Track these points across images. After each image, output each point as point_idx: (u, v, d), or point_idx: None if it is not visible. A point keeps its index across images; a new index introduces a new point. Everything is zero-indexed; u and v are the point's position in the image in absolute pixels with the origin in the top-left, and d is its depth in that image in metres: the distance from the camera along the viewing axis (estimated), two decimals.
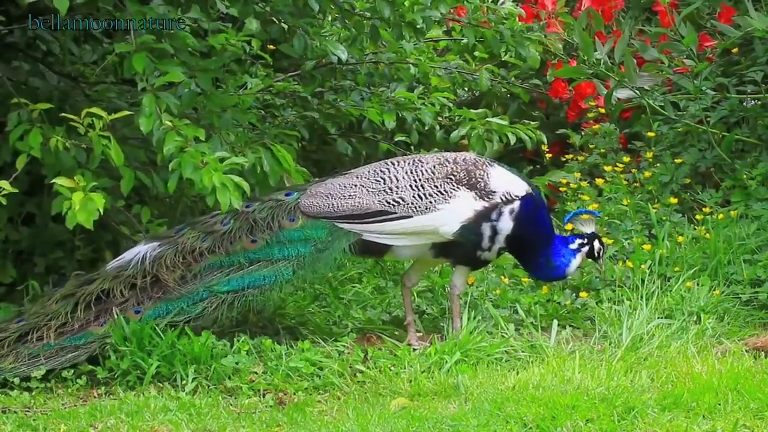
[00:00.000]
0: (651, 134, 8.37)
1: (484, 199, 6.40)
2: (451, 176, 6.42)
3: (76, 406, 5.80)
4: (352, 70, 8.01)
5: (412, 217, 6.38)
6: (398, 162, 6.55)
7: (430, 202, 6.38)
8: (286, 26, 7.06)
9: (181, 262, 6.30)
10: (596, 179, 8.21)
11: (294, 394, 5.90)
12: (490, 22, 7.61)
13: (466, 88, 8.95)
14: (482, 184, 6.42)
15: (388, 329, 6.75)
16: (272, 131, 7.37)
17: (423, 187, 6.40)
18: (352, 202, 6.39)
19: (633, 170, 8.24)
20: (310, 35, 7.20)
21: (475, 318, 6.48)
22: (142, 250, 6.36)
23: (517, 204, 6.44)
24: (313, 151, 8.64)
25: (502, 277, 7.33)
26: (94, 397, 5.92)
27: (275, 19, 6.98)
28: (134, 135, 6.64)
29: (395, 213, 6.38)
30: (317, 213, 6.40)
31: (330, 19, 8.15)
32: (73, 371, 6.05)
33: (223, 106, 6.65)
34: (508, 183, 6.47)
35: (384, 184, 6.43)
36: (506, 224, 6.42)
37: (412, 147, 8.31)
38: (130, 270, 6.28)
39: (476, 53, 8.37)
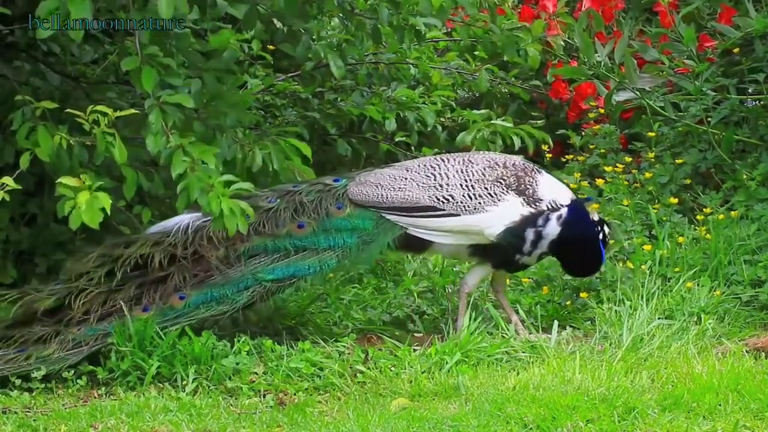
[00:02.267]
0: (651, 135, 8.37)
1: (531, 206, 6.44)
2: (501, 180, 6.46)
3: (76, 406, 5.79)
4: (351, 70, 8.01)
5: (459, 215, 6.41)
6: (448, 159, 6.58)
7: (479, 203, 6.41)
8: (286, 28, 7.05)
9: (225, 236, 6.21)
10: (596, 180, 8.21)
11: (294, 394, 5.90)
12: (488, 18, 7.56)
13: (467, 89, 8.95)
14: (530, 191, 6.46)
15: (388, 330, 6.75)
16: (273, 131, 7.37)
17: (473, 188, 6.43)
18: (402, 194, 6.42)
19: (633, 171, 8.25)
20: (312, 35, 7.18)
21: (475, 319, 6.48)
22: (184, 218, 6.33)
23: (564, 210, 6.48)
24: (314, 152, 8.62)
25: None
26: (95, 398, 5.92)
27: (276, 21, 6.97)
28: (135, 135, 6.63)
29: (444, 210, 6.41)
30: (366, 202, 6.41)
31: (328, 18, 8.13)
32: (73, 371, 6.05)
33: (234, 104, 6.64)
34: (554, 191, 6.53)
35: (435, 180, 6.45)
36: (553, 230, 6.47)
37: (413, 147, 8.31)
38: (171, 238, 6.24)
39: (476, 53, 8.36)
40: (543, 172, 6.60)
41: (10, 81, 6.87)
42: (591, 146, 8.64)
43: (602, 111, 8.56)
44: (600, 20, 7.80)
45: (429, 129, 8.01)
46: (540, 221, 6.45)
